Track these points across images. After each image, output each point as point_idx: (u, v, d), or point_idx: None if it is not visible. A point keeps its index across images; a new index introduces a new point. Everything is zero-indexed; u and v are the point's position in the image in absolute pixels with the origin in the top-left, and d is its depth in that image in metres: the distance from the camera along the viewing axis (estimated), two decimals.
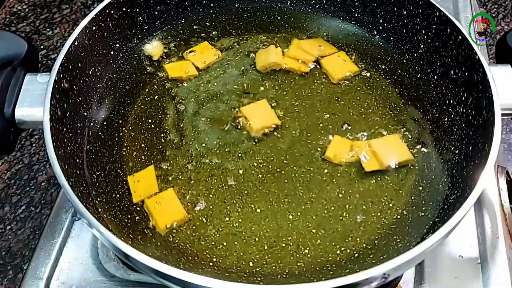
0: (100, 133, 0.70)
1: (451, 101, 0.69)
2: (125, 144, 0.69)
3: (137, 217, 0.62)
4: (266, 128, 0.69)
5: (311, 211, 0.61)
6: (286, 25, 0.83)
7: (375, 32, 0.80)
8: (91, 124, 0.70)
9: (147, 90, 0.75)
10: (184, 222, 0.61)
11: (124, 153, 0.68)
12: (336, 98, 0.73)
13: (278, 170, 0.65)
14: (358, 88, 0.74)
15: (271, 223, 0.61)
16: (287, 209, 0.62)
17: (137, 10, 0.77)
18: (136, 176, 0.65)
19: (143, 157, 0.68)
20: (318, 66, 0.77)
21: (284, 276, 0.57)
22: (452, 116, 0.68)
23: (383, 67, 0.76)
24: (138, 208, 0.63)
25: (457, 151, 0.65)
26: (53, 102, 0.59)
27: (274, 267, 0.57)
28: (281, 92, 0.74)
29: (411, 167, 0.65)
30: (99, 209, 0.62)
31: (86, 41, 0.69)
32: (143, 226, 0.61)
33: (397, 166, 0.65)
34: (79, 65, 0.68)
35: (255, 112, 0.70)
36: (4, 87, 0.63)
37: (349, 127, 0.69)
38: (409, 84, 0.74)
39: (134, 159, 0.67)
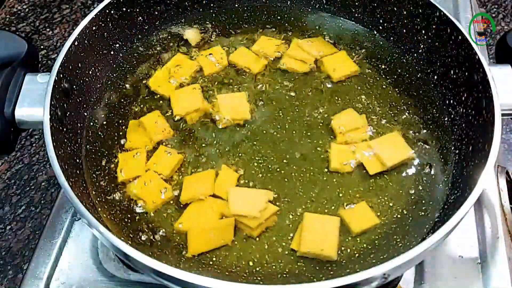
0: (100, 133, 0.70)
1: (451, 101, 0.69)
2: (125, 144, 0.69)
3: (137, 217, 0.62)
4: (234, 120, 0.69)
5: (311, 211, 0.61)
6: (286, 24, 0.83)
7: (375, 32, 0.80)
8: (91, 124, 0.70)
9: (147, 90, 0.75)
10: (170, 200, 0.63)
11: (123, 152, 0.68)
12: (336, 98, 0.73)
13: (278, 170, 0.65)
14: (359, 88, 0.74)
15: None
16: (287, 209, 0.62)
17: (137, 10, 0.77)
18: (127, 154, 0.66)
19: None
20: (316, 66, 0.76)
21: (284, 276, 0.57)
22: (452, 116, 0.68)
23: (383, 66, 0.76)
24: (138, 208, 0.63)
25: (457, 151, 0.65)
26: (53, 102, 0.59)
27: (274, 267, 0.57)
28: (281, 91, 0.74)
29: (412, 167, 0.65)
30: (99, 209, 0.62)
31: (86, 41, 0.69)
32: (143, 226, 0.61)
33: (398, 165, 0.65)
34: (79, 65, 0.68)
35: (229, 103, 0.71)
36: (4, 87, 0.63)
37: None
38: (409, 84, 0.74)
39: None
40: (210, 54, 0.77)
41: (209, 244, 0.58)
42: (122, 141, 0.69)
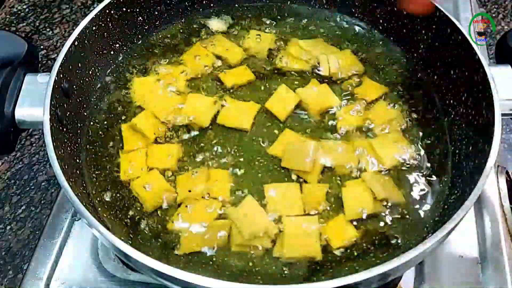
0: (100, 133, 0.70)
1: (451, 101, 0.69)
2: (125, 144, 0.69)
3: (137, 217, 0.62)
4: (193, 124, 0.69)
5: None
6: (286, 24, 0.83)
7: (375, 32, 0.80)
8: (91, 124, 0.70)
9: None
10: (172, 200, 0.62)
11: (123, 152, 0.68)
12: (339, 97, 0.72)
13: (278, 169, 0.65)
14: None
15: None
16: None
17: (137, 10, 0.77)
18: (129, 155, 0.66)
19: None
20: (318, 64, 0.76)
21: (284, 276, 0.56)
22: (452, 116, 0.68)
23: (383, 66, 0.76)
24: (138, 208, 0.63)
25: (457, 151, 0.65)
26: (53, 102, 0.59)
27: (273, 268, 0.57)
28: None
29: (412, 167, 0.65)
30: (99, 209, 0.62)
31: (86, 41, 0.69)
32: (143, 226, 0.61)
33: (397, 166, 0.65)
34: (79, 65, 0.68)
35: (198, 105, 0.70)
36: (4, 87, 0.63)
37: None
38: (409, 84, 0.74)
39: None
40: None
41: (202, 243, 0.58)
42: (122, 141, 0.69)
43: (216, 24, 0.82)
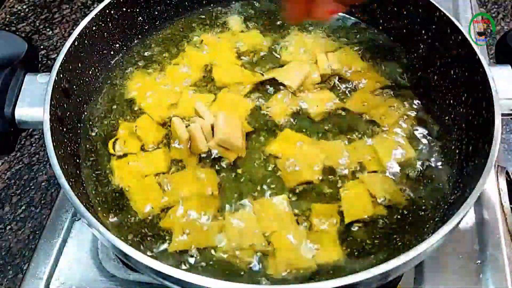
0: (100, 133, 0.70)
1: (451, 101, 0.69)
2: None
3: (137, 217, 0.62)
4: None
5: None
6: (285, 24, 0.82)
7: (375, 32, 0.80)
8: (91, 124, 0.70)
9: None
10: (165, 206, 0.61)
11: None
12: (338, 95, 0.72)
13: (276, 167, 0.65)
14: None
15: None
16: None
17: (137, 10, 0.77)
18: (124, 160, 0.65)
19: None
20: (318, 64, 0.76)
21: (283, 276, 0.56)
22: (452, 116, 0.68)
23: (383, 66, 0.76)
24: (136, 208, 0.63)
25: (457, 151, 0.65)
26: (53, 102, 0.59)
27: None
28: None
29: (411, 166, 0.65)
30: (99, 209, 0.62)
31: (86, 41, 0.69)
32: (142, 226, 0.61)
33: (397, 165, 0.65)
34: (79, 65, 0.68)
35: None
36: (4, 87, 0.63)
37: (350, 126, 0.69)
38: (409, 84, 0.74)
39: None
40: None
41: (192, 243, 0.58)
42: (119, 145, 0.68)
43: (235, 22, 0.81)
